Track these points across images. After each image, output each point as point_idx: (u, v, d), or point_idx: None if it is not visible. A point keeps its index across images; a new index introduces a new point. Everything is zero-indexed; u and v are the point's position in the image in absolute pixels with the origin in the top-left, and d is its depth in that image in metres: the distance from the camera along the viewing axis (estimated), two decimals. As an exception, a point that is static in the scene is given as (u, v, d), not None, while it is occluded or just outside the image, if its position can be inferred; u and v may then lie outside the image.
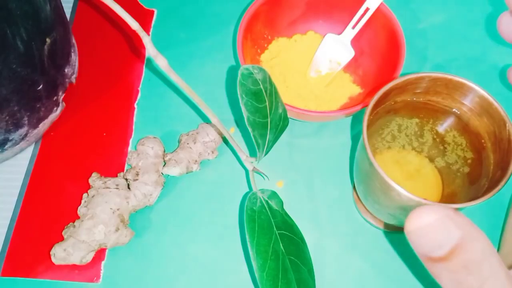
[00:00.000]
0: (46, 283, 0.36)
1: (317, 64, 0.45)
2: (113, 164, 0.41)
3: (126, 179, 0.39)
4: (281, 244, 0.31)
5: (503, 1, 0.51)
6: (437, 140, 0.34)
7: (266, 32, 0.45)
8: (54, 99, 0.41)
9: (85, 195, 0.38)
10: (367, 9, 0.41)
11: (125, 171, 0.41)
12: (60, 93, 0.42)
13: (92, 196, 0.37)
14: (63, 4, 0.42)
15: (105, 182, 0.38)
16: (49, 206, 0.40)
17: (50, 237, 0.37)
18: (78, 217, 0.37)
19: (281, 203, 0.33)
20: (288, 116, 0.35)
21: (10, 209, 0.40)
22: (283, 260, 0.31)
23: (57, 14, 0.38)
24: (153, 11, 0.51)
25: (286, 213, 0.33)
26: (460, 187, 0.33)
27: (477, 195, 0.29)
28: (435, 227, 0.20)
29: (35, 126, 0.40)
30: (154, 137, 0.41)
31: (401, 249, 0.38)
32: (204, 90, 0.45)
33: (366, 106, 0.32)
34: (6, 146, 0.39)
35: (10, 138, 0.38)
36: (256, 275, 0.29)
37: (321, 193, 0.40)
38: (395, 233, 0.38)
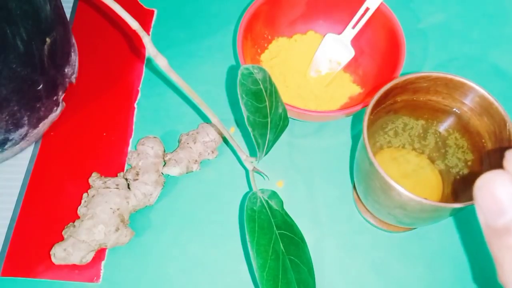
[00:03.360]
0: (46, 283, 0.36)
1: (317, 64, 0.45)
2: (113, 164, 0.41)
3: (126, 179, 0.39)
4: (281, 244, 0.31)
5: (503, 1, 0.51)
6: (439, 143, 0.34)
7: (266, 32, 0.45)
8: (54, 99, 0.41)
9: (85, 195, 0.38)
10: (367, 9, 0.41)
11: (125, 171, 0.41)
12: (60, 93, 0.42)
13: (92, 196, 0.37)
14: (63, 4, 0.42)
15: (105, 182, 0.38)
16: (49, 206, 0.40)
17: (50, 237, 0.37)
18: (78, 217, 0.37)
19: (281, 203, 0.33)
20: (288, 116, 0.35)
21: (10, 209, 0.40)
22: (283, 260, 0.31)
23: (57, 14, 0.38)
24: (153, 11, 0.51)
25: (286, 213, 0.33)
26: (461, 186, 0.33)
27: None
28: (505, 188, 0.16)
29: (35, 126, 0.40)
30: (154, 137, 0.41)
31: (401, 249, 0.38)
32: (204, 90, 0.45)
33: (366, 106, 0.32)
34: (6, 146, 0.39)
35: (10, 138, 0.38)
36: (256, 275, 0.29)
37: (321, 193, 0.40)
38: (395, 233, 0.38)
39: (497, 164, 0.30)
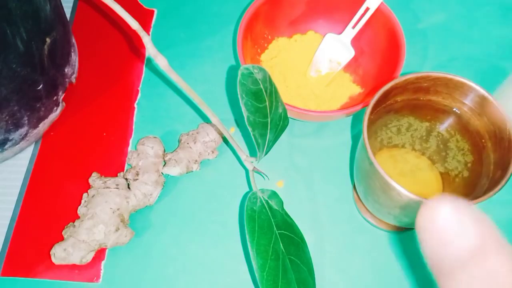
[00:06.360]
0: (46, 283, 0.36)
1: (317, 64, 0.45)
2: (113, 164, 0.41)
3: (126, 179, 0.39)
4: (281, 244, 0.31)
5: (503, 1, 0.51)
6: (441, 146, 0.34)
7: (266, 32, 0.45)
8: (54, 99, 0.41)
9: (85, 195, 0.38)
10: (367, 9, 0.41)
11: (125, 170, 0.41)
12: (60, 93, 0.42)
13: (92, 196, 0.37)
14: (63, 4, 0.42)
15: (105, 182, 0.38)
16: (49, 206, 0.40)
17: (50, 237, 0.37)
18: (78, 217, 0.37)
19: (281, 203, 0.33)
20: (288, 116, 0.35)
21: (10, 209, 0.40)
22: (283, 260, 0.31)
23: (57, 14, 0.38)
24: (153, 11, 0.51)
25: (286, 213, 0.33)
26: (461, 187, 0.33)
27: (477, 195, 0.29)
28: (449, 225, 0.16)
29: (35, 126, 0.40)
30: (154, 137, 0.41)
31: (401, 249, 0.38)
32: (204, 89, 0.45)
33: (367, 105, 0.32)
34: (6, 146, 0.39)
35: (10, 138, 0.38)
36: (256, 275, 0.29)
37: (321, 193, 0.40)
38: (395, 233, 0.38)
39: (498, 165, 0.30)
